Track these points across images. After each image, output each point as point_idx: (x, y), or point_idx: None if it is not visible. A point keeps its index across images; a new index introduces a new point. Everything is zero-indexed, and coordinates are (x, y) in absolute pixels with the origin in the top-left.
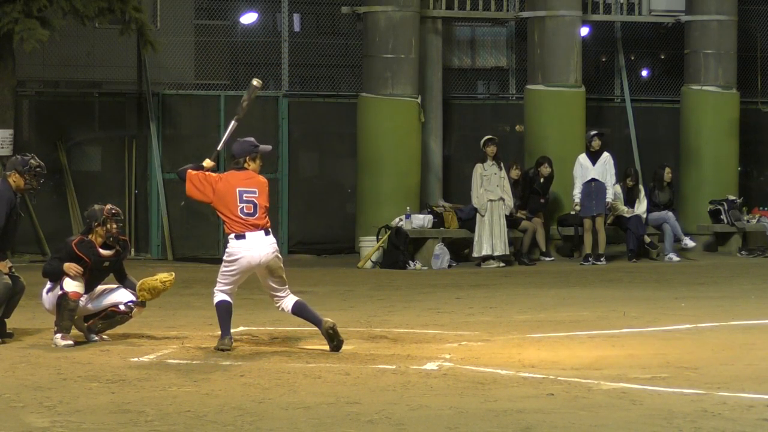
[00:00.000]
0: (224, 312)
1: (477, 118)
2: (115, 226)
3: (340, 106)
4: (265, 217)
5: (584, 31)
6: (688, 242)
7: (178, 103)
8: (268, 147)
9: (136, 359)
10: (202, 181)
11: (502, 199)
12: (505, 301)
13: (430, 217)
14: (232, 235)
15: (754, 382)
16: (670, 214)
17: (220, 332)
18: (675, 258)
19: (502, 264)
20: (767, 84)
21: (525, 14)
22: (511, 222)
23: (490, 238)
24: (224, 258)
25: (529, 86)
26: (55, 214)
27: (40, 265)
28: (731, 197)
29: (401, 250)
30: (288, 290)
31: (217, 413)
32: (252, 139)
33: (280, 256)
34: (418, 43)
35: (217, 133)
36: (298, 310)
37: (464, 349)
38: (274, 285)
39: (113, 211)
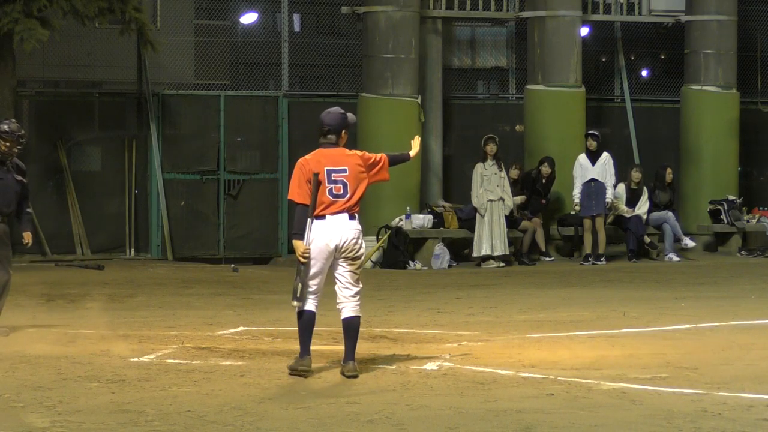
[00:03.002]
0: (306, 325)
1: (477, 118)
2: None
3: (340, 106)
4: (353, 198)
5: (584, 31)
6: (688, 242)
7: (178, 103)
8: (354, 117)
9: (136, 359)
10: (301, 182)
11: (501, 199)
12: (505, 301)
13: (430, 217)
14: (312, 218)
15: (754, 382)
16: (671, 214)
17: (299, 349)
18: (675, 258)
19: (502, 264)
20: (767, 84)
21: (525, 14)
22: (511, 222)
23: (490, 239)
24: None
25: (529, 86)
26: (55, 214)
27: (40, 266)
28: (731, 197)
29: (401, 250)
30: (359, 293)
31: (217, 413)
32: (338, 108)
33: (362, 244)
34: (418, 43)
35: (217, 133)
36: (347, 327)
37: (464, 349)
38: (346, 278)
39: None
